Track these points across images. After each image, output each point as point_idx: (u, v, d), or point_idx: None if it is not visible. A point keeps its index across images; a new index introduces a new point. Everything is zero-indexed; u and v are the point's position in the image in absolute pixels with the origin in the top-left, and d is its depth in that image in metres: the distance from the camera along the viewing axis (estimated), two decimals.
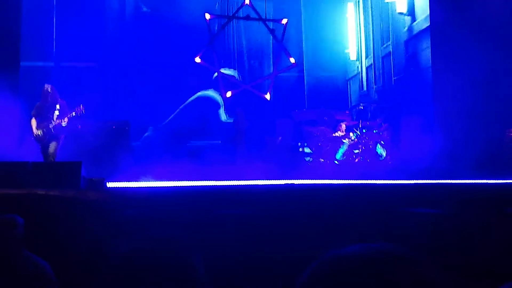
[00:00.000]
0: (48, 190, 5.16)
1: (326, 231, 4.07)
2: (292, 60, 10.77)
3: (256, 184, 5.84)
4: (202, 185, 5.94)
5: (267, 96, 10.63)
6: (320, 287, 0.87)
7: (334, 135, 9.45)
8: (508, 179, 6.22)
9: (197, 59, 10.77)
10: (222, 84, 11.02)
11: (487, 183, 6.06)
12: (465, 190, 5.63)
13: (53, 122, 7.31)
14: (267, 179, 7.35)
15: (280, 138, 9.71)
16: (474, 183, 6.24)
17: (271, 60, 11.35)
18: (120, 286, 1.56)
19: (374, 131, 9.31)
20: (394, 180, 6.61)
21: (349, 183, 6.21)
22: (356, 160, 9.11)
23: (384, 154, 9.23)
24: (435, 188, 5.70)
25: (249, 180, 6.88)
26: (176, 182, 6.95)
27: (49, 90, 7.46)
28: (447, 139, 8.52)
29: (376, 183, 5.85)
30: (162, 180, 7.51)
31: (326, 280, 0.87)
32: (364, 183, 5.91)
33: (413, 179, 6.51)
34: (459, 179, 6.59)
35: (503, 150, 8.62)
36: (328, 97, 10.52)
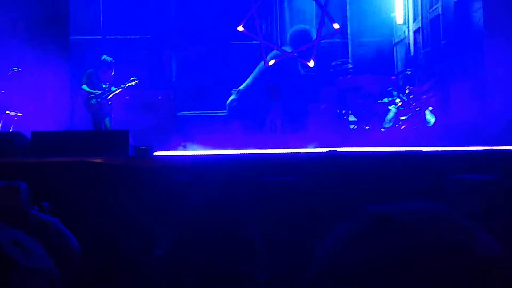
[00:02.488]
0: (98, 158, 5.35)
1: (371, 199, 4.01)
2: (336, 25, 10.50)
3: (299, 152, 5.82)
4: (247, 153, 5.98)
5: (311, 64, 10.46)
6: (344, 242, 0.83)
7: (379, 101, 9.23)
8: None
9: (240, 28, 10.68)
10: (265, 52, 10.92)
11: None
12: None
13: (106, 93, 7.54)
14: (310, 147, 7.31)
15: (323, 105, 9.58)
16: None
17: (315, 26, 11.09)
18: (178, 248, 1.60)
19: (422, 97, 9.03)
20: (443, 147, 6.41)
21: (395, 151, 6.08)
22: (403, 127, 8.89)
23: (432, 120, 8.96)
24: (486, 155, 5.50)
25: (292, 148, 6.87)
26: (221, 150, 7.04)
27: (108, 61, 7.66)
28: (499, 104, 8.17)
29: (423, 150, 5.69)
30: (207, 149, 7.63)
31: (351, 236, 0.83)
32: (411, 151, 5.76)
33: (463, 146, 6.30)
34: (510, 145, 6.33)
35: None
36: (373, 62, 10.21)
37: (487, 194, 4.15)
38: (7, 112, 7.59)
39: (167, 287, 1.64)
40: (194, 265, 1.57)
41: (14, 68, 7.68)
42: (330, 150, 5.31)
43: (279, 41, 11.58)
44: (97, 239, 3.99)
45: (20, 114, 7.68)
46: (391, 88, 9.22)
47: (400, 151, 5.94)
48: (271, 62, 10.72)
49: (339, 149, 5.63)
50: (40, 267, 0.79)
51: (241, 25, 10.59)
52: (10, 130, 7.36)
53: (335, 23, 10.46)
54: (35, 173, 4.73)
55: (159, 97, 9.30)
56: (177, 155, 6.59)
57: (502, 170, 4.50)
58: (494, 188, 4.20)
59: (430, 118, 8.98)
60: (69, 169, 5.04)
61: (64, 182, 4.77)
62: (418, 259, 0.77)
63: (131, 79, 7.74)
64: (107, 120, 7.62)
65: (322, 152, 5.33)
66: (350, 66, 9.97)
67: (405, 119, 8.95)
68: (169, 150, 7.26)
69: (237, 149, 7.31)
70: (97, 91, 7.54)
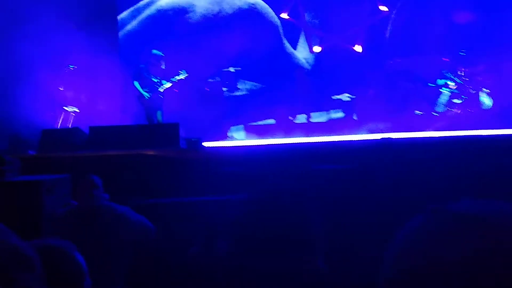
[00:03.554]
0: (151, 150, 5.50)
1: (426, 186, 3.92)
2: (384, 8, 10.22)
3: (351, 140, 5.74)
4: (296, 142, 5.97)
5: (358, 48, 10.25)
6: (422, 242, 0.81)
7: (430, 84, 8.93)
8: None
9: (284, 15, 10.61)
10: (309, 38, 10.80)
11: None
12: None
13: (158, 87, 7.72)
14: (360, 134, 7.20)
15: (371, 91, 9.38)
16: None
17: (361, 9, 10.84)
18: (236, 237, 1.62)
19: (477, 79, 8.66)
20: (501, 130, 6.15)
21: (451, 136, 5.89)
22: (458, 111, 8.57)
23: (488, 103, 8.58)
24: None
25: (338, 134, 6.78)
26: (271, 139, 7.06)
27: (158, 55, 7.83)
28: None
29: (483, 135, 5.48)
30: (257, 138, 7.67)
31: (429, 236, 0.80)
32: (470, 135, 5.55)
33: None
34: None
35: None
36: (424, 44, 9.86)
37: None
38: (65, 108, 7.91)
39: (227, 281, 1.66)
40: (252, 260, 1.58)
41: (71, 66, 7.97)
42: (384, 137, 5.20)
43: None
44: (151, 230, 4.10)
45: (77, 111, 7.98)
46: (445, 71, 8.89)
47: (458, 136, 5.74)
48: (317, 49, 10.59)
49: (393, 136, 5.51)
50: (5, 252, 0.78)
51: (285, 13, 10.51)
52: (69, 126, 7.67)
53: (382, 5, 10.19)
54: (94, 166, 4.92)
55: (207, 89, 9.40)
56: (226, 146, 6.67)
57: None
58: None
59: (486, 100, 8.60)
60: (125, 162, 5.21)
61: (121, 174, 4.93)
62: (501, 264, 0.74)
63: (180, 72, 7.88)
64: (159, 114, 7.81)
65: (375, 139, 5.23)
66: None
67: (459, 102, 8.62)
68: (219, 140, 7.37)
69: (287, 137, 7.31)
70: (146, 92, 7.73)
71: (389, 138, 5.24)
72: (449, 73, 8.77)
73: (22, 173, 4.71)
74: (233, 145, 6.82)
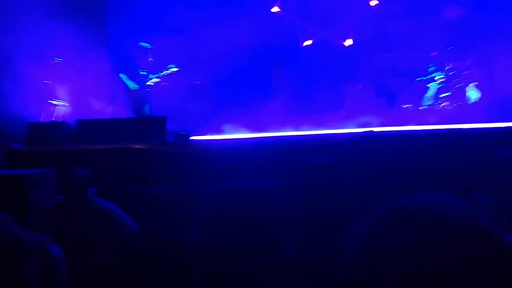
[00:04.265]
0: (138, 144, 5.48)
1: (409, 179, 3.95)
2: (374, 2, 10.24)
3: (336, 133, 5.77)
4: (283, 135, 5.99)
5: (349, 42, 10.27)
6: (376, 236, 0.85)
7: (418, 79, 8.99)
8: None
9: (275, 9, 10.58)
10: (302, 33, 10.79)
11: None
12: None
13: (146, 81, 7.69)
14: (346, 127, 7.23)
15: (359, 86, 9.42)
16: None
17: (351, 2, 10.84)
18: (212, 231, 1.65)
19: (464, 73, 8.72)
20: (486, 123, 6.21)
21: (434, 129, 5.93)
22: (444, 104, 8.64)
23: (476, 96, 8.65)
24: None
25: (327, 128, 6.81)
26: (257, 133, 7.06)
27: (145, 48, 7.79)
28: None
29: (464, 128, 5.53)
30: (243, 132, 7.67)
31: (381, 230, 0.85)
32: (451, 128, 5.61)
33: (508, 122, 6.07)
34: None
35: None
36: (412, 38, 9.89)
37: None
38: (51, 101, 7.84)
39: (202, 269, 1.69)
40: (226, 249, 1.61)
41: (56, 59, 7.89)
42: (366, 131, 5.24)
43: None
44: (140, 224, 4.11)
45: (67, 104, 7.92)
46: (432, 65, 8.95)
47: (439, 129, 5.79)
48: (308, 42, 10.59)
49: (375, 129, 5.55)
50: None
51: (276, 6, 10.49)
52: (56, 119, 7.62)
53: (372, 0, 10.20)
54: (80, 159, 4.90)
55: (197, 82, 9.38)
56: (214, 139, 6.67)
57: None
58: None
59: (474, 94, 8.67)
60: (112, 155, 5.19)
61: (108, 167, 4.92)
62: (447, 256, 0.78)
63: (169, 66, 7.84)
64: (146, 107, 7.78)
65: (358, 132, 5.26)
66: None
67: (447, 96, 8.69)
68: (207, 135, 7.36)
69: (275, 131, 7.32)
70: (132, 84, 7.68)
71: (371, 131, 5.28)
72: (436, 68, 8.83)
73: (7, 167, 4.68)
74: (222, 138, 6.81)
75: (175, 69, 7.84)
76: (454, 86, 8.68)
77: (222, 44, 9.63)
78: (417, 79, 8.97)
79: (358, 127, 6.94)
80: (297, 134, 6.02)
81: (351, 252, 0.88)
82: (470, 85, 8.69)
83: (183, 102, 8.80)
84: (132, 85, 7.75)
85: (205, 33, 9.65)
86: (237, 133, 7.66)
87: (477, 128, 5.56)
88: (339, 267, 0.89)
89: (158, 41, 8.76)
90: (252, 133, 7.46)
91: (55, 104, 7.85)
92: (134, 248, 3.80)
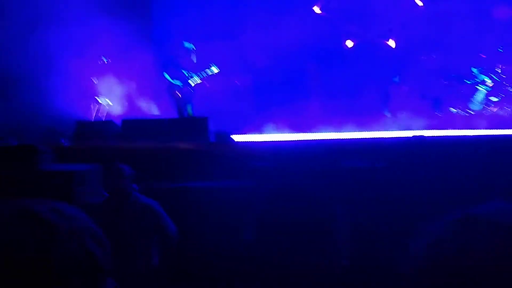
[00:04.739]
0: (181, 144, 5.53)
1: (461, 186, 3.80)
2: (419, 2, 9.98)
3: (384, 137, 5.64)
4: (327, 138, 5.90)
5: (392, 43, 10.05)
6: (450, 246, 0.80)
7: (467, 81, 8.68)
8: None
9: (316, 9, 10.48)
10: (343, 33, 10.64)
11: None
12: None
13: (189, 81, 7.75)
14: (392, 130, 7.06)
15: (405, 87, 9.19)
16: None
17: (395, 3, 10.60)
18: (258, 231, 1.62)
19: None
20: None
21: (486, 135, 5.71)
22: (495, 109, 8.31)
23: None
24: None
25: (373, 130, 6.67)
26: (301, 134, 7.00)
27: (189, 48, 7.85)
28: None
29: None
30: (285, 132, 7.62)
31: (457, 240, 0.80)
32: (505, 134, 5.37)
33: None
34: None
35: None
36: (461, 40, 9.58)
37: None
38: (97, 99, 8.02)
39: (251, 273, 1.67)
40: (277, 253, 1.59)
41: (104, 59, 8.06)
42: (416, 135, 5.08)
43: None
44: (183, 223, 4.13)
45: (111, 104, 8.08)
46: (481, 68, 8.63)
47: (493, 135, 5.56)
48: (349, 44, 10.44)
49: (426, 134, 5.38)
50: (81, 227, 0.85)
51: (317, 6, 10.38)
52: (103, 118, 7.79)
53: None
54: (124, 157, 4.98)
55: (236, 82, 9.39)
56: (256, 141, 6.65)
57: None
58: None
59: None
60: (155, 155, 5.26)
61: (151, 166, 4.98)
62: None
63: (211, 66, 7.87)
64: (189, 107, 7.84)
65: (408, 137, 5.12)
66: None
67: (496, 100, 8.36)
68: (249, 134, 7.35)
69: (316, 131, 7.24)
70: (178, 81, 7.76)
71: (421, 136, 5.12)
72: (485, 70, 8.51)
73: (55, 163, 4.81)
74: (263, 139, 6.78)
75: (216, 70, 7.87)
76: (504, 90, 8.34)
77: (264, 44, 9.60)
78: (465, 82, 8.67)
79: (403, 130, 6.77)
80: (341, 137, 5.92)
81: (419, 259, 0.84)
82: None
83: (225, 103, 8.83)
84: (175, 84, 7.84)
85: (248, 34, 9.66)
86: (279, 133, 7.62)
87: None
88: (404, 274, 0.84)
89: (201, 40, 8.83)
90: (294, 133, 7.41)
91: (101, 102, 8.03)
92: (173, 246, 3.83)
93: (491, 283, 0.74)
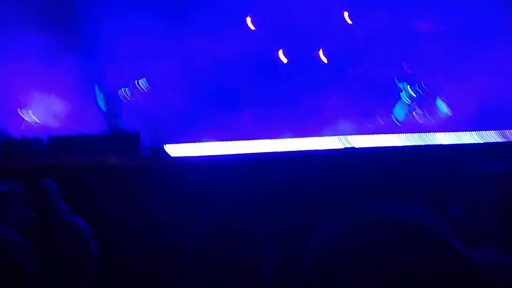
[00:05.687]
0: (111, 160, 5.39)
1: (390, 194, 3.99)
2: (348, 20, 10.41)
3: (315, 150, 5.83)
4: (262, 152, 5.99)
5: (323, 56, 10.39)
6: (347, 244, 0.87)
7: (391, 92, 9.18)
8: None
9: (248, 20, 10.62)
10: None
11: None
12: None
13: (120, 93, 7.57)
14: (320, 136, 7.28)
15: (334, 98, 9.54)
16: None
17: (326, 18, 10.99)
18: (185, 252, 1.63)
19: (435, 85, 9.00)
20: (459, 132, 6.40)
21: (408, 145, 6.06)
22: (417, 116, 8.87)
23: (446, 111, 8.92)
24: (503, 146, 5.44)
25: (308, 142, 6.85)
26: (234, 142, 7.01)
27: (118, 62, 7.67)
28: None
29: (440, 144, 5.67)
30: (221, 144, 7.63)
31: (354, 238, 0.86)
32: (426, 145, 5.73)
33: (478, 130, 6.27)
34: None
35: None
36: (386, 52, 10.10)
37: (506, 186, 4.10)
38: (22, 114, 7.61)
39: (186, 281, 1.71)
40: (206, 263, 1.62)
41: (27, 70, 7.67)
42: (347, 147, 5.30)
43: None
44: (113, 240, 4.03)
45: (38, 120, 7.70)
46: (404, 79, 9.19)
47: (416, 145, 5.92)
48: (281, 55, 10.66)
49: (356, 145, 5.62)
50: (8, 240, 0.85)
51: (249, 17, 10.52)
52: (27, 135, 7.40)
53: (348, 15, 10.34)
54: (52, 176, 4.78)
55: (169, 94, 9.30)
56: (190, 156, 6.62)
57: None
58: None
59: (444, 108, 8.94)
60: (85, 172, 5.08)
61: (80, 185, 4.82)
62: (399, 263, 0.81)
63: (141, 79, 7.75)
64: (118, 120, 7.65)
65: (339, 148, 5.32)
66: None
67: (417, 108, 8.92)
68: (182, 146, 7.29)
69: (251, 143, 7.30)
70: (106, 97, 7.57)
71: (353, 147, 5.34)
72: (409, 81, 9.06)
73: None
74: (198, 154, 6.75)
75: (146, 84, 7.74)
76: (427, 100, 8.92)
77: (198, 55, 9.60)
78: (390, 92, 9.16)
79: (333, 138, 7.02)
80: (276, 150, 6.04)
81: (315, 255, 0.90)
82: (440, 98, 8.95)
83: (159, 116, 8.70)
84: (105, 98, 7.64)
85: (180, 45, 9.60)
86: (214, 145, 7.62)
87: (451, 144, 5.72)
88: (302, 269, 0.90)
89: (131, 53, 8.66)
90: (227, 143, 7.43)
91: (27, 118, 7.65)
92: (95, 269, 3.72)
93: (387, 280, 0.80)
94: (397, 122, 8.93)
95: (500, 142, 5.56)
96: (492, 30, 9.28)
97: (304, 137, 7.44)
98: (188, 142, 7.42)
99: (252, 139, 7.46)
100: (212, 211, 1.75)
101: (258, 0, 10.44)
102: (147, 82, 7.76)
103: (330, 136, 7.54)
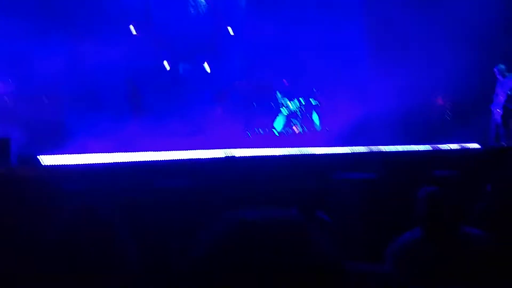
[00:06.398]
0: None
1: (266, 201, 4.16)
2: (230, 31, 10.68)
3: (196, 158, 5.86)
4: (141, 160, 5.87)
5: (207, 66, 10.52)
6: (224, 250, 0.92)
7: (272, 104, 9.60)
8: (434, 144, 6.63)
9: (131, 28, 10.41)
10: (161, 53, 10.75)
11: (414, 150, 6.43)
12: (395, 156, 5.94)
13: None
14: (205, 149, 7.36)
15: (219, 110, 9.70)
16: (404, 150, 6.60)
17: (209, 29, 11.17)
18: (53, 263, 1.58)
19: (309, 101, 9.58)
20: (330, 147, 6.86)
21: (285, 154, 6.36)
22: (295, 128, 9.36)
23: (318, 123, 9.55)
24: (368, 155, 5.97)
25: (189, 150, 6.86)
26: (114, 155, 6.80)
27: None
28: (379, 107, 8.94)
29: (310, 153, 6.05)
30: (97, 152, 7.31)
31: (229, 243, 0.92)
32: (301, 154, 6.08)
33: (348, 146, 6.78)
34: (391, 145, 6.96)
35: (431, 118, 9.16)
36: (267, 65, 10.51)
37: (368, 192, 4.52)
38: None
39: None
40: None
41: None
42: (228, 155, 5.42)
43: None
44: None
45: None
46: (283, 92, 9.66)
47: (290, 154, 6.24)
48: (166, 64, 10.59)
49: (235, 152, 5.76)
50: None
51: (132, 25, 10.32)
52: None
53: (230, 26, 10.60)
54: None
55: (44, 100, 8.73)
56: (63, 164, 6.26)
57: (381, 169, 4.93)
58: (373, 186, 4.59)
59: (316, 120, 9.56)
60: None
61: None
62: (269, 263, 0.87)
63: (10, 83, 7.16)
64: None
65: (220, 157, 5.42)
66: None
67: (296, 122, 9.43)
68: (56, 156, 6.87)
69: (134, 152, 7.12)
70: None
71: (233, 156, 5.48)
72: (287, 95, 9.57)
73: None
74: (72, 161, 6.39)
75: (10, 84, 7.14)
76: (303, 113, 9.47)
77: (79, 62, 9.17)
78: (270, 106, 9.58)
79: (217, 151, 7.12)
80: (153, 159, 5.95)
81: (197, 258, 0.94)
82: (314, 112, 9.57)
83: (32, 123, 8.11)
84: None
85: (60, 52, 9.08)
86: (92, 154, 7.28)
87: (318, 154, 6.12)
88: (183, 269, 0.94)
89: (2, 55, 8.00)
90: (109, 153, 7.16)
91: None
92: None
93: (249, 281, 0.85)
94: (276, 133, 9.34)
95: (364, 152, 6.09)
96: (364, 55, 10.15)
97: (187, 148, 7.44)
98: (67, 153, 7.00)
99: (134, 151, 7.27)
100: (81, 219, 1.72)
101: (142, 9, 10.30)
102: (23, 88, 7.21)
103: (212, 148, 7.64)
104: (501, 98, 8.38)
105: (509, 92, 8.28)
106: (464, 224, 2.62)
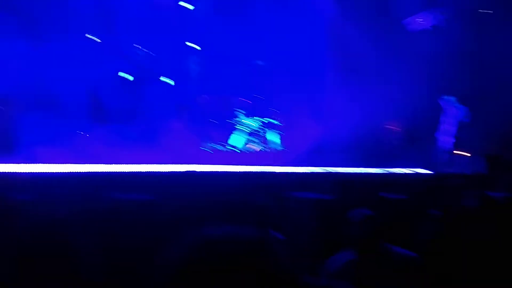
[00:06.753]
0: None
1: (224, 217, 4.19)
2: (196, 46, 10.74)
3: (157, 171, 5.85)
4: (97, 171, 5.81)
5: (170, 80, 10.51)
6: (190, 266, 1.00)
7: (230, 122, 9.71)
8: (384, 168, 6.89)
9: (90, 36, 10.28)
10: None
11: (367, 173, 6.66)
12: (348, 177, 6.14)
13: None
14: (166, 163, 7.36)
15: (178, 123, 9.70)
16: (357, 172, 6.82)
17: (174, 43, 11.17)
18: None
19: (268, 120, 9.77)
20: (287, 167, 7.00)
21: (242, 171, 6.46)
22: (253, 147, 9.47)
23: (277, 142, 9.71)
24: (322, 176, 6.14)
25: (147, 163, 6.83)
26: (71, 165, 6.69)
27: None
28: (336, 130, 9.21)
29: (268, 171, 6.17)
30: (56, 163, 7.17)
31: (195, 260, 1.01)
32: (260, 171, 6.19)
33: (306, 166, 6.95)
34: (344, 167, 7.18)
35: (383, 142, 9.53)
36: (227, 83, 10.62)
37: (317, 210, 4.64)
38: None
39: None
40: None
41: None
42: (189, 170, 5.45)
43: None
44: None
45: None
46: (243, 110, 9.80)
47: (249, 171, 6.34)
48: (129, 77, 10.49)
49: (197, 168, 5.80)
50: None
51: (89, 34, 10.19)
52: None
53: (192, 43, 10.67)
54: None
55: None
56: (17, 171, 6.11)
57: (333, 189, 5.08)
58: (325, 205, 4.72)
59: (276, 139, 9.72)
60: None
61: None
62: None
63: None
64: None
65: (180, 171, 5.44)
66: None
67: (255, 140, 9.56)
68: (11, 164, 6.69)
69: (88, 163, 7.01)
70: None
71: (193, 171, 5.52)
72: (246, 113, 9.72)
73: None
74: (27, 170, 6.25)
75: None
76: (262, 131, 9.63)
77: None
78: (230, 123, 9.68)
79: (175, 165, 7.12)
80: (112, 169, 5.90)
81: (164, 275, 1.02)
82: (273, 131, 9.75)
83: None
84: None
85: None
86: (45, 163, 7.13)
87: (275, 172, 6.25)
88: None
89: None
90: (63, 164, 7.03)
91: None
92: None
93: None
94: (236, 150, 9.43)
95: (321, 172, 6.26)
96: (326, 80, 10.46)
97: (147, 162, 7.40)
98: (19, 163, 6.83)
99: (92, 162, 7.17)
100: (34, 229, 1.74)
101: (105, 17, 10.23)
102: None
103: (171, 162, 7.64)
104: (445, 126, 8.97)
105: (452, 121, 8.87)
106: (396, 246, 2.80)
